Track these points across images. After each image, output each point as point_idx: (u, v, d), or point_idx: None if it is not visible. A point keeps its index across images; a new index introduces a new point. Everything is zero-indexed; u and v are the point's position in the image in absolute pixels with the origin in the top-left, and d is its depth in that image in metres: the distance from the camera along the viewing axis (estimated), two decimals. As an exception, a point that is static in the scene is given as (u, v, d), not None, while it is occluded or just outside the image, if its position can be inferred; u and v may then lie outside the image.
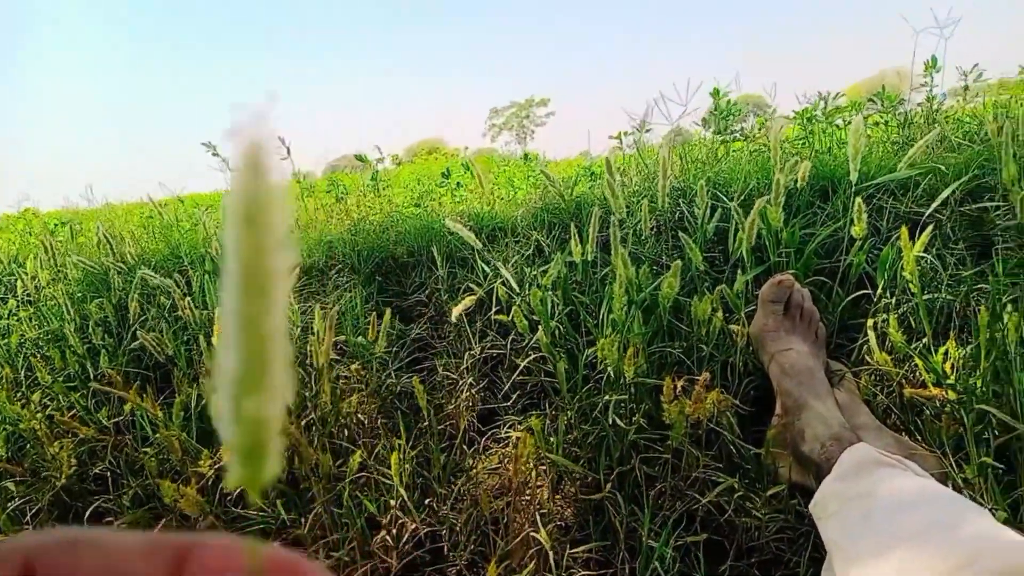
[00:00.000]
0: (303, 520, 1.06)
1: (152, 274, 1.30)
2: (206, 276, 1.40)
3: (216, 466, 1.09)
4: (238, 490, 1.04)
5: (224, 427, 0.18)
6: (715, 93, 1.82)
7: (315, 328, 1.18)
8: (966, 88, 1.78)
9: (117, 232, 1.65)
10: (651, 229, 1.23)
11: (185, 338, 1.30)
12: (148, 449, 1.14)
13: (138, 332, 1.26)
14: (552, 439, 1.08)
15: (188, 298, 1.25)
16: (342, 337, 1.28)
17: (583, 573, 0.97)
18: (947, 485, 0.90)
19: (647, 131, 1.74)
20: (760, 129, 1.77)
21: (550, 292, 1.23)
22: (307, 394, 1.19)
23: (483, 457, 1.17)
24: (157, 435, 1.14)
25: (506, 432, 1.18)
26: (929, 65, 1.73)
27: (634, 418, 1.04)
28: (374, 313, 1.23)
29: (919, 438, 1.02)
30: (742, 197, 1.30)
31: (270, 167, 0.16)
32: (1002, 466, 0.91)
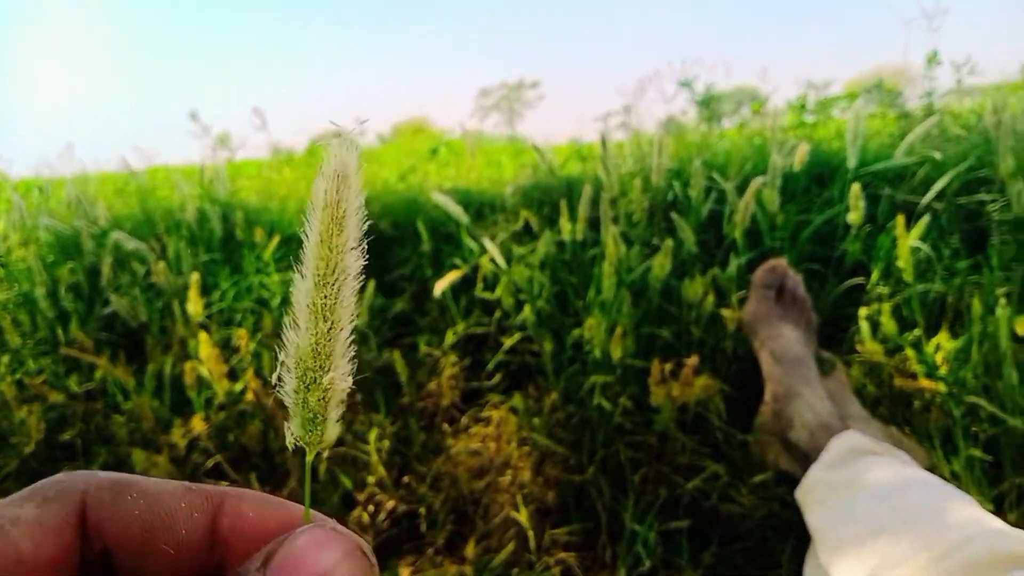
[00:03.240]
0: (277, 495, 1.03)
1: (127, 237, 1.26)
2: (181, 243, 1.36)
3: (188, 436, 1.05)
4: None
5: (289, 396, 0.20)
6: (687, 83, 1.80)
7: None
8: (959, 82, 1.77)
9: (90, 196, 1.60)
10: (643, 210, 1.21)
11: (159, 304, 1.26)
12: (119, 417, 1.10)
13: (110, 297, 1.22)
14: (535, 419, 1.06)
15: (163, 262, 1.21)
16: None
17: (563, 555, 0.95)
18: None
19: (630, 114, 1.72)
20: (755, 114, 1.75)
21: (538, 271, 1.21)
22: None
23: (464, 436, 1.15)
24: (128, 403, 1.10)
25: (489, 411, 1.15)
26: (930, 58, 1.71)
27: (620, 400, 1.02)
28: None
29: (908, 429, 1.01)
30: (738, 180, 1.28)
31: (355, 184, 0.19)
32: (989, 459, 0.90)
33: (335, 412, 0.20)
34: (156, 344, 1.20)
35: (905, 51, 1.67)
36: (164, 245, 1.40)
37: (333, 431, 0.20)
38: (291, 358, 0.20)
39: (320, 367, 0.20)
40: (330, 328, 0.20)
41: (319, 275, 0.20)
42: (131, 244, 1.26)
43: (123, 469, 1.04)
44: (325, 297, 0.20)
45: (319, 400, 0.20)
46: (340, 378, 0.20)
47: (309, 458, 0.21)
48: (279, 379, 0.20)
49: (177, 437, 1.05)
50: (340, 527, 0.20)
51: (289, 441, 0.20)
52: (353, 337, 0.21)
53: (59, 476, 0.20)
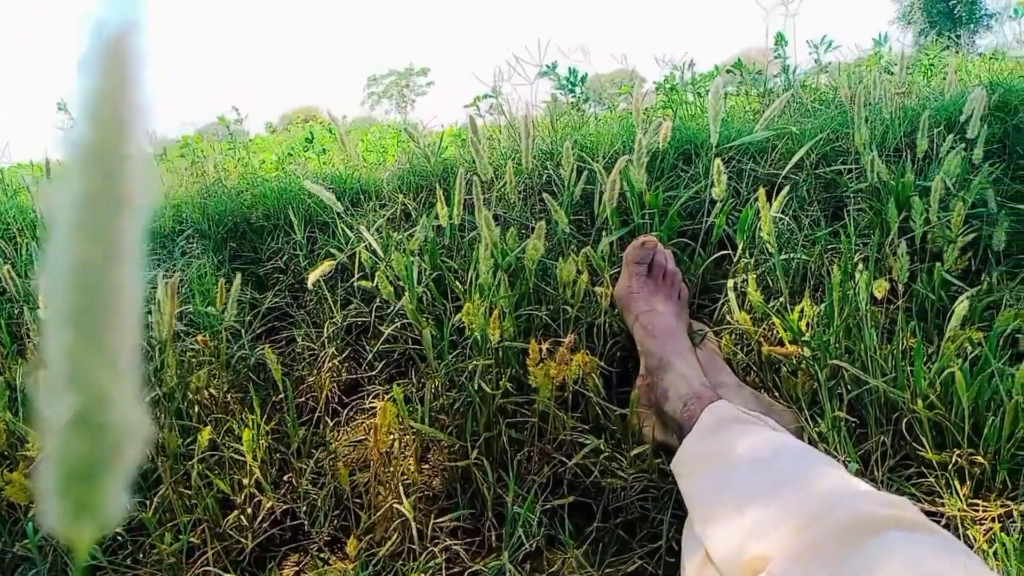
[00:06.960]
0: (147, 503, 0.98)
1: (-33, 240, 1.16)
2: (34, 242, 1.27)
3: (44, 450, 0.99)
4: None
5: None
6: (550, 68, 1.82)
7: (158, 297, 1.09)
8: (817, 60, 1.87)
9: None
10: (518, 192, 1.21)
11: (9, 311, 1.18)
12: (-32, 433, 1.02)
13: (-49, 305, 1.13)
14: (418, 408, 1.05)
15: (7, 267, 1.12)
16: (190, 307, 1.19)
17: (449, 542, 0.94)
18: (803, 439, 0.93)
19: (498, 96, 1.73)
20: (622, 96, 1.79)
21: (416, 257, 1.19)
22: (151, 369, 1.10)
23: (346, 429, 1.12)
24: (-23, 418, 1.02)
25: (371, 402, 1.13)
26: (778, 40, 1.80)
27: (500, 383, 1.02)
28: (222, 280, 1.15)
29: (777, 394, 1.05)
30: (607, 160, 1.30)
31: (135, 63, 0.13)
32: (854, 419, 0.95)
33: (121, 478, 0.13)
34: (7, 353, 1.12)
35: (767, 36, 1.74)
36: (17, 246, 1.30)
37: (116, 510, 0.13)
38: (52, 383, 0.12)
39: (99, 400, 0.12)
40: (106, 313, 0.12)
41: (85, 217, 0.12)
42: (-26, 247, 1.16)
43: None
44: (95, 252, 0.12)
45: (96, 453, 0.13)
46: (129, 415, 0.13)
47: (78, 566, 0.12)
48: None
49: (33, 451, 0.99)
50: None
51: (57, 527, 0.12)
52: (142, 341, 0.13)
53: None
